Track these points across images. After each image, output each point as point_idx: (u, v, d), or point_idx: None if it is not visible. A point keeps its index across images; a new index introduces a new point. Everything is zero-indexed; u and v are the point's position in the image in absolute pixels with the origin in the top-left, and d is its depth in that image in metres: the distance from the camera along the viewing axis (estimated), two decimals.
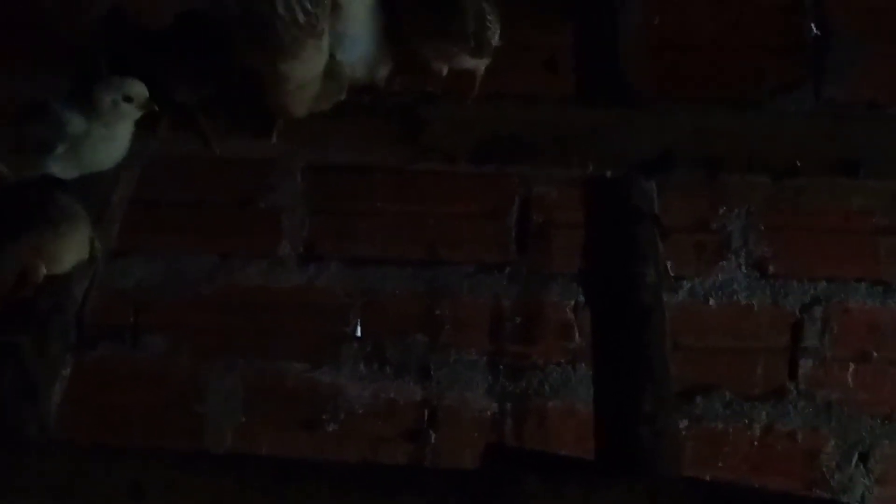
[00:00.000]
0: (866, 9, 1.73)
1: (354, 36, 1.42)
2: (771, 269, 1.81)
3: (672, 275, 1.80)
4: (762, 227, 1.81)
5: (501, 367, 1.85)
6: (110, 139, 1.42)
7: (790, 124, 1.49)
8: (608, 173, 1.48)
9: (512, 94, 1.72)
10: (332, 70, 1.42)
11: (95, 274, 1.44)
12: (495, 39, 1.47)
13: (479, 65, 1.50)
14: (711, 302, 1.82)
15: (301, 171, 1.84)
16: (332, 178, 1.83)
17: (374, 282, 1.86)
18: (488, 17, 1.45)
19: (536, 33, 1.76)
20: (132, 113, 1.41)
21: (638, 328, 1.37)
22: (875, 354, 1.81)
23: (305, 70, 1.39)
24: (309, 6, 1.29)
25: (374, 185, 1.83)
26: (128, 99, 1.40)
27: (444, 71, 1.49)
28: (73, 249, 1.37)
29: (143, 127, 1.46)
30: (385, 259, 1.85)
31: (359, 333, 1.86)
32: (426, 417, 1.85)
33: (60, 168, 1.42)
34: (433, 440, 1.85)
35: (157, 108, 1.41)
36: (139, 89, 1.41)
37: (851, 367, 1.81)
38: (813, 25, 1.74)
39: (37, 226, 1.35)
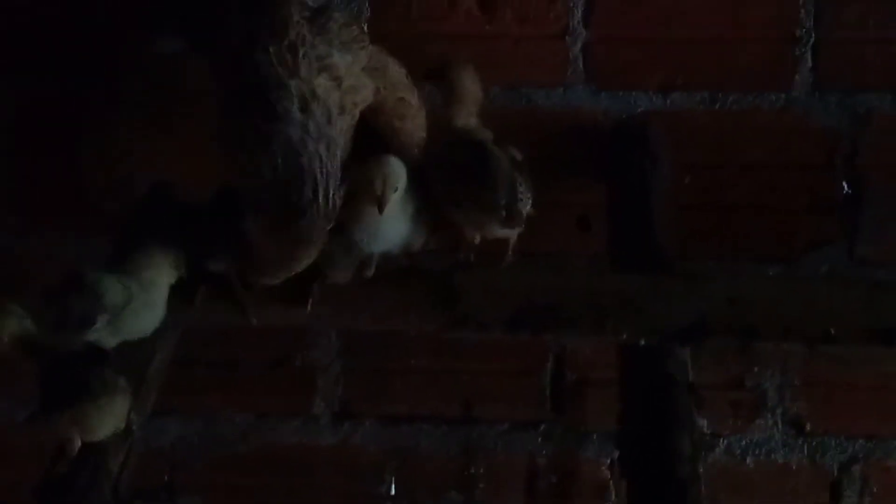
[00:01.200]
0: None
1: (388, 230, 1.45)
2: (808, 426, 1.80)
3: (708, 433, 1.79)
4: (798, 384, 1.80)
5: None
6: (150, 305, 1.43)
7: (824, 291, 1.49)
8: (642, 341, 1.47)
9: (544, 252, 1.74)
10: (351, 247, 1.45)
11: (132, 447, 1.45)
12: (527, 209, 1.48)
13: (511, 234, 1.51)
14: (748, 460, 1.81)
15: (336, 329, 1.85)
16: (366, 336, 1.84)
17: (408, 440, 1.86)
18: (520, 188, 1.47)
19: (569, 192, 1.78)
20: (173, 277, 1.42)
21: (675, 501, 1.36)
22: None
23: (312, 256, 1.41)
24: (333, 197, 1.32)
25: (408, 343, 1.84)
26: (169, 266, 1.42)
27: (477, 239, 1.51)
28: (110, 423, 1.38)
29: (181, 298, 1.47)
30: (419, 417, 1.86)
31: (393, 492, 1.86)
32: None
33: (102, 337, 1.43)
34: None
35: (190, 282, 1.43)
36: (176, 258, 1.43)
37: None
38: (845, 184, 1.74)
39: (79, 400, 1.36)
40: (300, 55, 1.36)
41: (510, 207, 1.46)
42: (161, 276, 1.43)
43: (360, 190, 1.41)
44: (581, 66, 1.77)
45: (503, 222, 1.47)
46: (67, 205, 1.78)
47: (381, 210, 1.41)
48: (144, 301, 1.42)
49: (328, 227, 1.35)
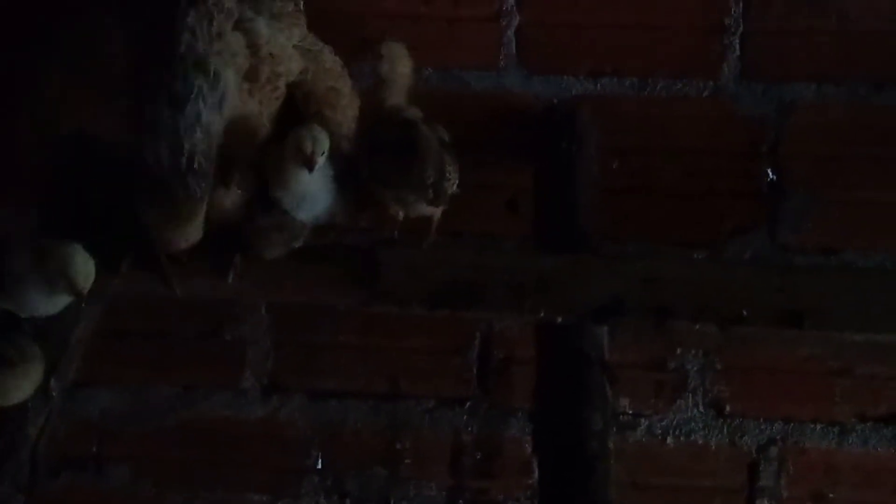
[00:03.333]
0: (821, 156, 1.77)
1: (314, 196, 1.46)
2: (728, 408, 1.83)
3: (630, 413, 1.82)
4: (719, 367, 1.83)
5: (461, 501, 1.87)
6: (48, 292, 1.41)
7: (738, 274, 1.52)
8: (559, 319, 1.50)
9: (473, 233, 1.77)
10: (284, 224, 1.46)
11: (51, 412, 1.46)
12: (453, 189, 1.51)
13: (436, 212, 1.53)
14: (669, 440, 1.84)
15: (266, 304, 1.87)
16: (296, 312, 1.86)
17: (335, 414, 1.88)
18: (448, 168, 1.49)
19: (500, 174, 1.80)
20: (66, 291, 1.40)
21: (583, 476, 1.39)
22: (831, 495, 1.82)
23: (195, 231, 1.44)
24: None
25: (337, 320, 1.86)
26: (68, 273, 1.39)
27: (401, 216, 1.53)
28: (25, 388, 1.40)
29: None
30: (347, 392, 1.88)
31: (320, 466, 1.88)
32: None
33: (6, 305, 1.43)
34: None
35: (84, 300, 1.41)
36: (80, 267, 1.38)
37: None
38: (769, 171, 1.77)
39: None
40: (214, 23, 1.37)
41: (437, 186, 1.48)
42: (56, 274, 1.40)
43: (289, 154, 1.43)
44: (514, 49, 1.79)
45: (429, 200, 1.49)
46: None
47: (310, 169, 1.42)
48: (39, 287, 1.40)
49: (199, 196, 1.36)
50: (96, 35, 1.42)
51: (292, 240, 1.53)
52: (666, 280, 1.49)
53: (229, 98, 1.38)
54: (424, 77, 1.80)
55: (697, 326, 1.50)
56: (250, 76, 1.41)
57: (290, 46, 1.46)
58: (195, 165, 1.34)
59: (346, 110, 1.54)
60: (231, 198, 1.47)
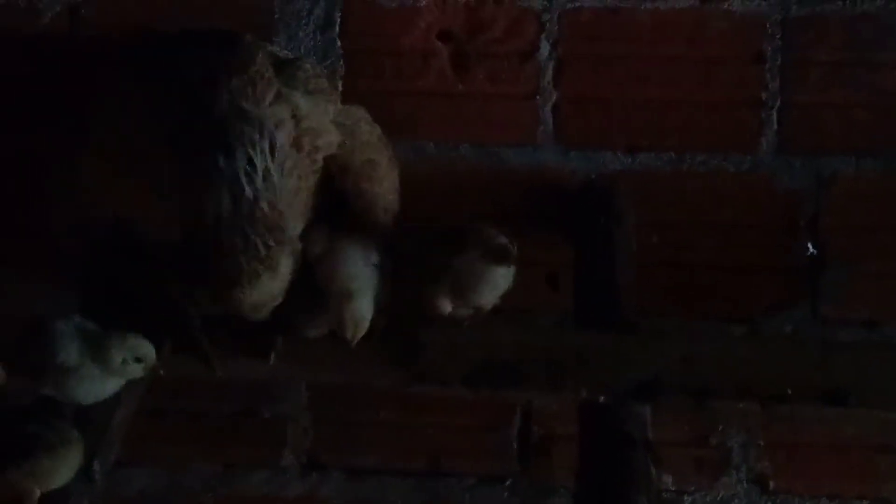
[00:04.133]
0: (860, 227, 1.76)
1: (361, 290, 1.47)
2: (772, 485, 1.82)
3: (673, 490, 1.80)
4: (762, 443, 1.81)
5: None
6: (100, 381, 1.44)
7: (779, 351, 1.51)
8: (601, 398, 1.49)
9: (512, 308, 1.76)
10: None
11: (94, 496, 1.46)
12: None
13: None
14: None
15: (305, 381, 1.87)
16: (335, 388, 1.86)
17: (375, 492, 1.87)
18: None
19: (539, 249, 1.79)
20: (137, 373, 1.44)
21: None
22: None
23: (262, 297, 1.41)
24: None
25: (376, 396, 1.86)
26: (137, 360, 1.43)
27: (448, 310, 1.52)
28: (65, 474, 1.40)
29: None
30: (387, 470, 1.87)
31: None
32: None
33: (51, 392, 1.44)
34: None
35: (161, 373, 1.44)
36: (149, 351, 1.44)
37: None
38: (809, 244, 1.77)
39: (35, 453, 1.38)
40: (258, 89, 1.38)
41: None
42: (120, 364, 1.43)
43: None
44: (551, 125, 1.80)
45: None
46: (35, 253, 1.80)
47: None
48: (94, 376, 1.43)
49: (261, 273, 1.36)
50: (127, 118, 1.43)
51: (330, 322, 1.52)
52: (705, 358, 1.48)
53: (283, 152, 1.38)
54: (461, 154, 1.81)
55: (741, 405, 1.48)
56: (295, 146, 1.41)
57: (327, 121, 1.47)
58: (259, 210, 1.34)
59: (384, 181, 1.54)
60: (279, 281, 1.46)
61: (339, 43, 1.76)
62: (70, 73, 1.73)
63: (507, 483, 1.86)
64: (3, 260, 1.81)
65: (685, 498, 1.82)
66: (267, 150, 1.35)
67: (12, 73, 1.77)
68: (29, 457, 1.39)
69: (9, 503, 1.41)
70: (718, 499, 1.82)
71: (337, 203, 1.51)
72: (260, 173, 1.34)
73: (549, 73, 1.78)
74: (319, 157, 1.45)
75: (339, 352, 1.52)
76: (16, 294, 1.75)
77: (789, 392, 1.47)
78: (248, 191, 1.33)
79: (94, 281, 1.56)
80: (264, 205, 1.34)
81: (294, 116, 1.41)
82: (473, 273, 1.49)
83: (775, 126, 1.76)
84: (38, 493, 1.39)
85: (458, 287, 1.50)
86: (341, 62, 1.78)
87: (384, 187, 1.53)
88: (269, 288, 1.37)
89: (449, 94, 1.80)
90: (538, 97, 1.79)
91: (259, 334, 1.53)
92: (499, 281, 1.51)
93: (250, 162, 1.34)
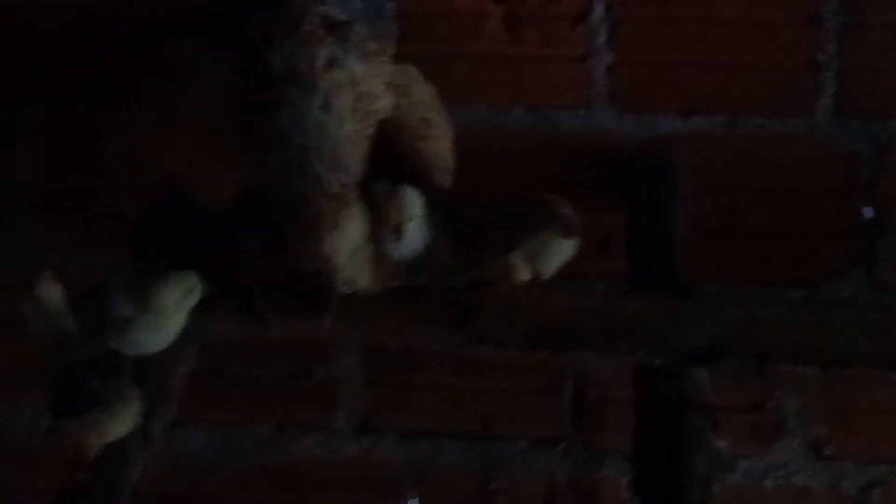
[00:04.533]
0: None
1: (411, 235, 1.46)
2: (828, 450, 1.80)
3: (727, 455, 1.80)
4: (818, 408, 1.80)
5: None
6: (157, 328, 1.45)
7: (838, 315, 1.49)
8: (656, 362, 1.48)
9: (565, 274, 1.75)
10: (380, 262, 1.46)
11: (150, 455, 1.47)
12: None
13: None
14: (767, 483, 1.81)
15: (359, 343, 1.87)
16: (388, 351, 1.86)
17: (428, 454, 1.88)
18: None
19: (591, 214, 1.77)
20: (191, 303, 1.45)
21: None
22: None
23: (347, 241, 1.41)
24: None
25: (430, 358, 1.86)
26: (187, 292, 1.44)
27: (527, 278, 1.51)
28: (124, 426, 1.42)
29: (201, 309, 1.49)
30: (440, 432, 1.87)
31: None
32: None
33: (115, 347, 1.45)
34: None
35: (210, 295, 1.45)
36: (195, 281, 1.45)
37: None
38: (867, 209, 1.75)
39: (94, 407, 1.39)
40: (315, 52, 1.37)
41: None
42: (171, 301, 1.44)
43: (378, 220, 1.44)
44: (604, 88, 1.78)
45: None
46: (91, 218, 1.82)
47: (399, 238, 1.43)
48: (149, 324, 1.44)
49: (345, 213, 1.37)
50: (185, 79, 1.43)
51: (389, 278, 1.52)
52: (765, 323, 1.47)
53: (340, 115, 1.38)
54: (514, 117, 1.80)
55: (800, 369, 1.47)
56: (352, 111, 1.41)
57: (381, 84, 1.47)
58: (326, 155, 1.35)
59: (439, 140, 1.53)
60: (359, 223, 1.46)
61: (391, 5, 1.75)
62: (125, 36, 1.74)
63: (560, 446, 1.86)
64: (60, 226, 1.83)
65: (739, 463, 1.81)
66: (321, 106, 1.35)
67: (66, 38, 1.78)
68: (87, 410, 1.40)
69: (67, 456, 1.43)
70: (773, 464, 1.81)
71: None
72: (317, 126, 1.35)
73: (603, 35, 1.76)
74: (373, 121, 1.45)
75: (394, 313, 1.52)
76: (73, 260, 1.78)
77: (847, 356, 1.46)
78: (313, 140, 1.34)
79: (147, 245, 1.56)
80: (328, 153, 1.35)
81: (351, 82, 1.41)
82: (544, 245, 1.49)
83: (832, 89, 1.74)
84: (96, 447, 1.41)
85: (526, 257, 1.50)
86: (393, 25, 1.77)
87: (440, 145, 1.52)
88: (350, 231, 1.38)
89: (501, 57, 1.79)
90: (592, 59, 1.78)
91: (314, 294, 1.53)
92: (566, 252, 1.51)
93: (305, 117, 1.34)
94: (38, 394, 1.65)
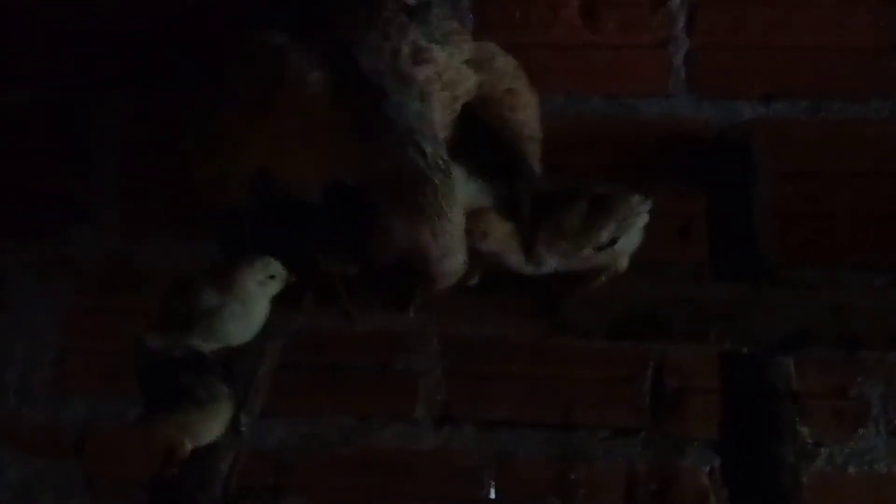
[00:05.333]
0: None
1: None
2: None
3: (810, 442, 1.78)
4: None
5: None
6: (244, 316, 1.46)
7: None
8: (744, 350, 1.47)
9: (644, 261, 1.75)
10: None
11: (240, 448, 1.48)
12: None
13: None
14: (850, 470, 1.79)
15: (437, 334, 1.87)
16: (467, 342, 1.86)
17: (508, 445, 1.87)
18: None
19: (670, 200, 1.77)
20: (275, 289, 1.45)
21: None
22: None
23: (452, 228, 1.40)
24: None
25: (508, 349, 1.86)
26: (271, 277, 1.45)
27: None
28: (215, 429, 1.42)
29: (287, 303, 1.50)
30: (519, 422, 1.87)
31: (493, 496, 1.87)
32: None
33: (199, 341, 1.46)
34: None
35: (295, 280, 1.45)
36: (278, 267, 1.45)
37: None
38: None
39: (185, 405, 1.40)
40: (399, 44, 1.37)
41: None
42: (256, 287, 1.45)
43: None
44: (683, 74, 1.77)
45: None
46: (177, 211, 1.83)
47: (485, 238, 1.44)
48: (235, 311, 1.45)
49: (451, 199, 1.35)
50: (273, 71, 1.43)
51: (467, 276, 1.52)
52: (854, 308, 1.45)
53: (431, 102, 1.38)
54: (592, 106, 1.79)
55: (889, 356, 1.46)
56: (439, 101, 1.40)
57: (463, 66, 1.45)
58: (428, 148, 1.34)
59: (526, 109, 1.52)
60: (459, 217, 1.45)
61: None
62: (211, 29, 1.75)
63: (641, 436, 1.85)
64: (145, 219, 1.85)
65: (822, 450, 1.80)
66: (419, 97, 1.35)
67: (152, 32, 1.80)
68: (178, 409, 1.41)
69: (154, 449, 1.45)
70: (856, 451, 1.79)
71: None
72: (416, 114, 1.34)
73: (681, 21, 1.76)
74: (458, 105, 1.44)
75: (479, 303, 1.52)
76: (158, 253, 1.80)
77: None
78: (416, 124, 1.34)
79: (234, 236, 1.57)
80: (429, 135, 1.34)
81: (437, 73, 1.41)
82: (631, 238, 1.48)
83: None
84: (188, 446, 1.42)
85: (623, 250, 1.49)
86: (470, 14, 1.77)
87: (527, 115, 1.51)
88: (455, 217, 1.37)
89: (579, 44, 1.79)
90: (670, 46, 1.77)
91: (397, 286, 1.53)
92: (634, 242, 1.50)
93: (408, 106, 1.34)
94: (124, 388, 1.68)
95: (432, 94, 1.38)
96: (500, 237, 1.47)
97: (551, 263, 1.48)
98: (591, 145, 1.78)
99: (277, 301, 1.48)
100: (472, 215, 1.42)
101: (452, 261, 1.39)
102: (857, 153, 1.74)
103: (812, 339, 1.44)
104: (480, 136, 1.50)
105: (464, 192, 1.44)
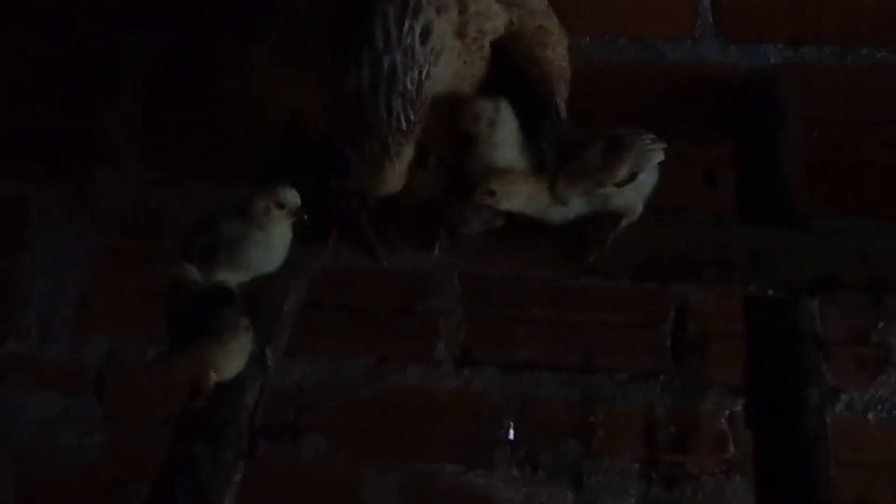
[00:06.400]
0: None
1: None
2: None
3: (830, 387, 1.78)
4: None
5: (654, 475, 1.86)
6: (265, 244, 1.45)
7: None
8: (770, 292, 1.47)
9: (669, 207, 1.74)
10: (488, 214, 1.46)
11: (266, 382, 1.49)
12: None
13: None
14: (870, 416, 1.80)
15: (458, 276, 1.88)
16: (488, 284, 1.87)
17: (528, 387, 1.88)
18: None
19: (696, 146, 1.77)
20: (283, 219, 1.45)
21: (803, 454, 1.37)
22: None
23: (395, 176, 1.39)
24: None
25: (530, 292, 1.86)
26: (280, 206, 1.44)
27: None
28: (234, 360, 1.42)
29: (314, 241, 1.50)
30: (540, 365, 1.88)
31: (512, 437, 1.88)
32: None
33: (226, 274, 1.46)
34: None
35: (306, 218, 1.44)
36: (291, 197, 1.44)
37: None
38: None
39: (204, 339, 1.41)
40: None
41: None
42: (270, 214, 1.44)
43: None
44: (710, 18, 1.77)
45: None
46: (200, 154, 1.83)
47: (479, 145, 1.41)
48: (259, 240, 1.44)
49: (406, 146, 1.34)
50: (294, 12, 1.43)
51: (491, 219, 1.51)
52: (881, 254, 1.45)
53: (441, 38, 1.34)
54: (619, 48, 1.79)
55: None
56: (458, 34, 1.38)
57: (494, 3, 1.43)
58: (402, 83, 1.31)
59: (557, 48, 1.49)
60: (431, 177, 1.46)
61: None
62: None
63: (661, 379, 1.85)
64: (170, 164, 1.86)
65: (843, 396, 1.80)
66: (417, 30, 1.33)
67: None
68: (197, 343, 1.42)
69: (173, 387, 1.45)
70: (876, 398, 1.80)
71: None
72: (402, 49, 1.31)
73: None
74: (486, 41, 1.42)
75: (504, 246, 1.52)
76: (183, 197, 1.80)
77: None
78: (388, 63, 1.31)
79: (264, 178, 1.57)
80: (407, 79, 1.31)
81: (459, 2, 1.39)
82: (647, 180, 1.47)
83: None
84: (213, 377, 1.42)
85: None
86: None
87: (557, 53, 1.48)
88: (402, 168, 1.36)
89: None
90: None
91: (423, 227, 1.53)
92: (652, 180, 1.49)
93: (391, 37, 1.31)
94: (145, 328, 1.69)
95: (438, 24, 1.34)
96: (524, 196, 1.45)
97: (575, 204, 1.47)
98: (617, 89, 1.78)
99: (304, 238, 1.48)
100: (496, 175, 1.41)
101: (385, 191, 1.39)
102: (884, 100, 1.74)
103: (839, 283, 1.43)
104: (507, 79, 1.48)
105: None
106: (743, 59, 1.76)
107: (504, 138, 1.43)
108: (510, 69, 1.48)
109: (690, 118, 1.78)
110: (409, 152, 1.36)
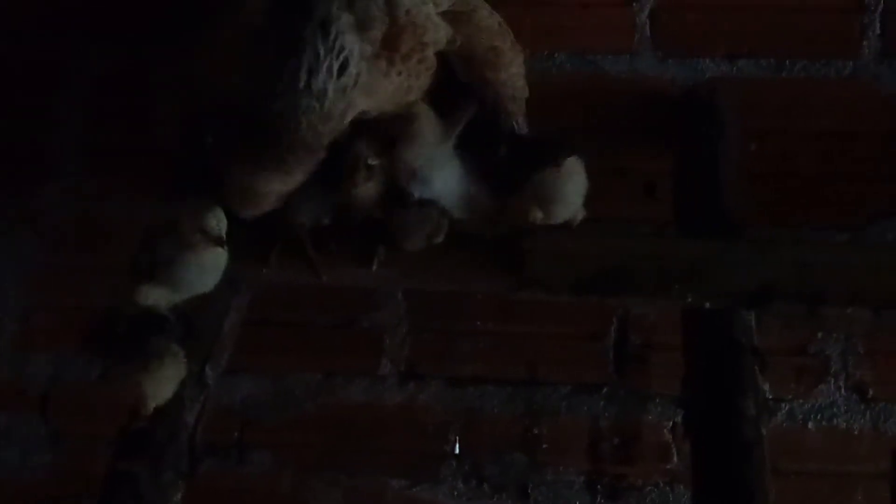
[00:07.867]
0: None
1: (425, 175, 1.45)
2: (871, 392, 1.81)
3: (770, 398, 1.80)
4: (861, 351, 1.80)
5: (599, 486, 1.86)
6: (198, 265, 1.45)
7: (890, 258, 1.50)
8: (706, 304, 1.49)
9: (610, 218, 1.76)
10: (423, 217, 1.46)
11: (206, 401, 1.49)
12: None
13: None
14: (810, 425, 1.82)
15: (403, 291, 1.88)
16: (433, 298, 1.87)
17: (473, 401, 1.89)
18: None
19: (636, 158, 1.79)
20: (207, 245, 1.44)
21: (739, 463, 1.38)
22: None
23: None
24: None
25: (474, 305, 1.87)
26: (211, 224, 1.44)
27: (539, 218, 1.50)
28: (165, 386, 1.42)
29: (255, 257, 1.50)
30: (484, 378, 1.88)
31: (457, 451, 1.89)
32: None
33: (162, 293, 1.46)
34: None
35: (223, 248, 1.44)
36: (214, 223, 1.43)
37: None
38: None
39: (136, 363, 1.41)
40: None
41: None
42: (200, 234, 1.43)
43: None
44: (648, 32, 1.78)
45: None
46: (142, 169, 1.83)
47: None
48: (188, 259, 1.44)
49: (307, 162, 1.35)
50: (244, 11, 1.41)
51: (432, 234, 1.52)
52: (817, 265, 1.47)
53: (353, 66, 1.33)
54: (558, 62, 1.80)
55: (849, 311, 1.47)
56: (388, 45, 1.37)
57: (434, 14, 1.42)
58: (317, 104, 1.32)
59: (510, 67, 1.50)
60: (367, 191, 1.46)
61: None
62: None
63: (604, 391, 1.86)
64: (110, 176, 1.85)
65: (783, 405, 1.82)
66: (335, 66, 1.33)
67: None
68: (126, 370, 1.42)
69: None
70: (817, 406, 1.82)
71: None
72: (323, 70, 1.31)
73: None
74: (429, 52, 1.41)
75: (444, 259, 1.53)
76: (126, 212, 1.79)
77: None
78: (308, 83, 1.31)
79: (200, 186, 1.56)
80: (316, 103, 1.31)
81: (390, 13, 1.38)
82: (551, 186, 1.48)
83: (878, 31, 1.74)
84: (150, 401, 1.42)
85: (542, 198, 1.49)
86: None
87: (510, 73, 1.49)
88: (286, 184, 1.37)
89: (543, 1, 1.79)
90: (635, 4, 1.79)
91: (362, 242, 1.53)
92: (574, 191, 1.50)
93: (315, 58, 1.31)
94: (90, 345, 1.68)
95: (366, 35, 1.34)
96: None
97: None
98: (557, 103, 1.78)
99: (245, 255, 1.48)
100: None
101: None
102: (821, 112, 1.76)
103: (775, 295, 1.45)
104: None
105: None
106: (680, 73, 1.78)
107: (420, 129, 1.44)
108: None
109: (631, 131, 1.80)
110: (298, 176, 1.38)
